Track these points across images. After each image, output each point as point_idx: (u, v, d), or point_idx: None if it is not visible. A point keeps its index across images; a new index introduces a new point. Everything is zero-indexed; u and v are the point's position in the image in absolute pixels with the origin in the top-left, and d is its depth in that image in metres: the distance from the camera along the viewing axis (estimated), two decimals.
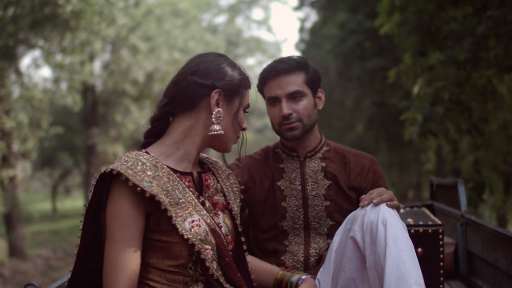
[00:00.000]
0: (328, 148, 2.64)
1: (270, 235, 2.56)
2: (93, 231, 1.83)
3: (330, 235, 2.50)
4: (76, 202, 30.53)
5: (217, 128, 1.92)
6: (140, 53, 18.48)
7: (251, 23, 35.11)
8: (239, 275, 1.97)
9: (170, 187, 1.83)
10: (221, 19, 34.43)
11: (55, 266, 15.65)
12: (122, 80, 18.62)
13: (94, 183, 1.80)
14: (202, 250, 1.83)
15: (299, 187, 2.56)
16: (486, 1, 4.88)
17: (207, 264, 1.84)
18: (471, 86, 4.69)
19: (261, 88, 2.58)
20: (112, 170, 1.75)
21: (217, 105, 1.93)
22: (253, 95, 2.20)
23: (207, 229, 1.88)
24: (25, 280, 13.63)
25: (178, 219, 1.81)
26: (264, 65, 2.61)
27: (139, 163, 1.79)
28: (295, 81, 2.48)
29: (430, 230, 2.85)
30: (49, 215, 26.66)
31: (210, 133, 1.92)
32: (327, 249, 2.50)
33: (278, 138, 2.67)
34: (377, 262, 2.00)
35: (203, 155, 2.18)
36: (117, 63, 18.36)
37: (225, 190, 2.12)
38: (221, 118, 1.93)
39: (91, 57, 15.93)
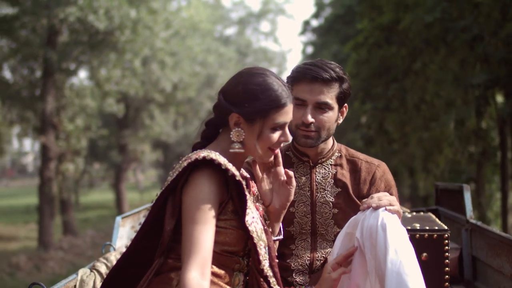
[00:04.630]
0: (340, 154, 2.64)
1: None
2: (159, 214, 2.01)
3: None
4: (98, 195, 33.88)
5: (236, 146, 2.05)
6: (167, 67, 22.82)
7: (259, 35, 39.74)
8: (280, 278, 2.12)
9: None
10: (231, 30, 39.04)
11: (100, 242, 19.79)
12: (152, 90, 22.95)
13: (180, 169, 1.97)
14: (258, 244, 2.01)
15: (308, 193, 2.56)
16: None
17: (261, 258, 2.00)
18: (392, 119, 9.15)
19: (291, 82, 2.52)
20: (204, 157, 1.93)
21: (238, 125, 2.06)
22: None
23: (262, 228, 2.06)
24: (81, 251, 17.94)
25: (247, 210, 1.99)
26: (303, 63, 2.59)
27: (221, 156, 1.99)
28: (328, 93, 2.47)
29: (435, 235, 2.84)
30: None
31: (230, 150, 2.07)
32: None
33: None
34: (378, 267, 2.05)
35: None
36: (148, 75, 22.64)
37: (259, 196, 2.26)
38: (243, 137, 2.05)
39: (133, 72, 20.15)
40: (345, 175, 2.59)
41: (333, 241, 2.50)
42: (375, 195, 2.23)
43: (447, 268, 2.83)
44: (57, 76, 17.56)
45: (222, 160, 1.96)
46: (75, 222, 20.48)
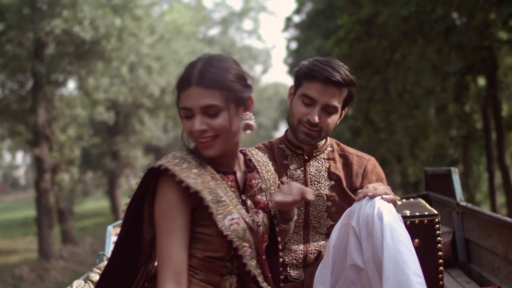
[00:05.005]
0: (332, 148, 2.69)
1: None
2: (134, 221, 2.01)
3: (329, 234, 2.47)
4: (92, 203, 33.80)
5: (248, 132, 2.09)
6: (154, 72, 23.14)
7: (242, 33, 40.19)
8: (270, 275, 2.10)
9: (213, 185, 1.97)
10: (214, 31, 39.41)
11: (99, 249, 20.04)
12: (140, 95, 23.28)
13: (141, 177, 1.98)
14: (240, 247, 1.97)
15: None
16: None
17: (245, 260, 1.99)
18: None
19: (303, 77, 2.52)
20: (160, 166, 1.92)
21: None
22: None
23: (246, 227, 1.99)
24: (81, 259, 18.27)
25: (219, 216, 1.95)
26: (312, 60, 2.56)
27: (185, 162, 1.97)
28: (338, 97, 2.49)
29: (425, 221, 2.86)
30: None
31: (245, 133, 2.09)
32: (326, 246, 2.57)
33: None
34: (375, 255, 2.08)
35: (253, 150, 2.30)
36: (135, 81, 22.94)
37: (266, 190, 2.20)
38: None
39: (121, 79, 20.43)
40: (338, 168, 2.64)
41: (326, 234, 2.59)
42: (371, 185, 2.25)
43: (440, 253, 2.84)
44: (46, 88, 17.86)
45: (177, 169, 1.93)
46: (74, 231, 20.79)
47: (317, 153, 2.65)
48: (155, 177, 1.96)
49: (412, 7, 7.58)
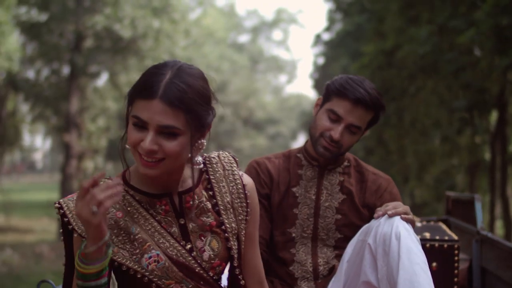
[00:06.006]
0: (349, 164, 2.68)
1: (279, 241, 2.61)
2: (71, 252, 1.84)
3: (337, 247, 2.56)
4: None
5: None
6: None
7: (271, 43, 41.42)
8: None
9: (124, 223, 1.80)
10: (244, 38, 40.66)
11: None
12: None
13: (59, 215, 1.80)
14: (162, 286, 1.80)
15: (313, 197, 2.60)
16: None
17: None
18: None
19: (332, 92, 2.52)
20: (57, 203, 1.79)
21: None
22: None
23: (167, 264, 1.80)
24: None
25: (134, 256, 1.79)
26: (346, 77, 2.53)
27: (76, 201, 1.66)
28: (363, 118, 2.50)
29: (445, 245, 2.87)
30: None
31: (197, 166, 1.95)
32: (335, 258, 2.57)
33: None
34: (390, 274, 2.07)
35: (215, 157, 1.99)
36: None
37: (221, 206, 1.94)
38: None
39: None
40: (351, 183, 2.63)
41: (334, 246, 2.58)
42: (391, 204, 2.24)
43: (456, 279, 2.84)
44: (82, 79, 19.05)
45: (65, 206, 1.78)
46: None
47: (332, 167, 2.64)
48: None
49: (428, 47, 8.69)
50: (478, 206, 3.50)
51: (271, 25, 40.59)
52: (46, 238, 19.19)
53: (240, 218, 1.95)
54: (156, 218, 1.83)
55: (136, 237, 1.79)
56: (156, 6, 18.71)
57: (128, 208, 1.82)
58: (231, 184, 1.96)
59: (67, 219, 1.77)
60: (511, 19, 6.63)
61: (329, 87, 2.55)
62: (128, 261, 1.77)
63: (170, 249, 1.82)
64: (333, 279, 2.33)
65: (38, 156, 57.83)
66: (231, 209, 1.94)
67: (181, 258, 1.82)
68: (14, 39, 15.82)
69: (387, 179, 2.69)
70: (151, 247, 1.80)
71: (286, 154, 2.71)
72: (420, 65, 9.67)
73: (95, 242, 1.63)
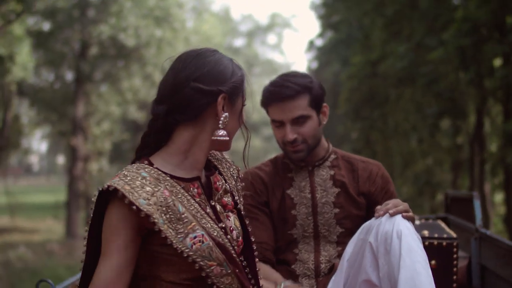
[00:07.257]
0: (336, 156, 2.70)
1: (280, 244, 2.63)
2: (95, 245, 1.82)
3: (340, 242, 2.59)
4: None
5: (223, 133, 1.90)
6: None
7: (266, 47, 42.82)
8: (251, 287, 1.96)
9: (172, 202, 1.79)
10: (239, 42, 42.07)
11: None
12: None
13: (94, 201, 1.78)
14: (205, 267, 1.80)
15: (309, 195, 2.63)
16: None
17: (209, 281, 1.81)
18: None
19: (264, 107, 2.61)
20: (109, 186, 1.73)
21: (223, 109, 1.88)
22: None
23: (211, 244, 1.82)
24: None
25: (179, 236, 1.78)
26: (267, 83, 2.62)
27: (139, 178, 1.77)
28: (299, 106, 2.51)
29: (444, 243, 2.89)
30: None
31: (214, 137, 1.89)
32: (337, 256, 2.58)
33: None
34: (391, 273, 2.08)
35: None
36: None
37: (233, 189, 2.07)
38: (227, 122, 1.89)
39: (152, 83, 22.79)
40: (343, 174, 2.65)
41: (336, 242, 2.61)
42: (391, 202, 2.24)
43: (455, 276, 2.87)
44: (87, 85, 20.30)
45: (127, 189, 1.70)
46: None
47: (320, 162, 2.66)
48: (105, 199, 1.76)
49: (406, 62, 10.36)
50: (476, 204, 3.53)
51: (265, 30, 41.88)
52: (51, 238, 20.05)
53: (241, 199, 2.08)
54: (196, 200, 1.85)
55: (182, 216, 1.78)
56: (158, 16, 19.95)
57: (172, 189, 1.80)
58: (230, 169, 2.10)
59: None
60: (472, 41, 8.14)
61: (261, 104, 2.64)
62: (175, 240, 1.74)
63: (211, 229, 1.83)
64: (333, 277, 2.34)
65: (34, 159, 58.69)
66: (237, 191, 2.08)
67: (220, 239, 1.84)
68: (27, 49, 16.92)
69: (377, 164, 2.74)
70: (196, 227, 1.80)
71: (273, 161, 2.75)
72: (399, 76, 11.30)
73: None
